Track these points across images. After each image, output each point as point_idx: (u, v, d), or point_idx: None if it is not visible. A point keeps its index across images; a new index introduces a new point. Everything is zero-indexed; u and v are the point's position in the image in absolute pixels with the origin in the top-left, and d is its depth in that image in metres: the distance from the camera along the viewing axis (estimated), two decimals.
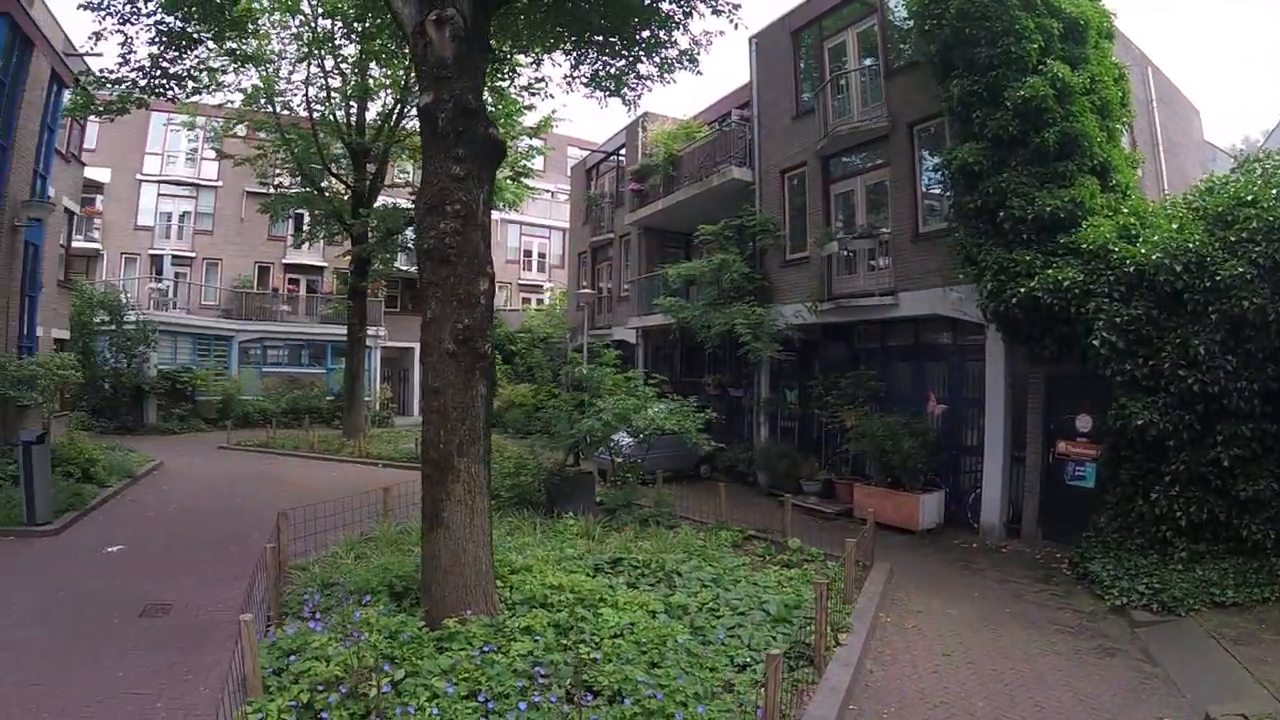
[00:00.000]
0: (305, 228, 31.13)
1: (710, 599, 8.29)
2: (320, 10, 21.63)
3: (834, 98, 16.64)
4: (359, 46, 22.18)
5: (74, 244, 24.25)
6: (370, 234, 25.78)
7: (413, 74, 22.71)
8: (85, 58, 18.15)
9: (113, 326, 27.99)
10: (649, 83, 13.97)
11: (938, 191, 14.87)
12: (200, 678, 6.95)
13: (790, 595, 8.62)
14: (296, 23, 22.44)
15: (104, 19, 13.13)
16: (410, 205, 26.73)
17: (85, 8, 12.93)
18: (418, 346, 27.31)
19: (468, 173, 7.09)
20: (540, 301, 42.61)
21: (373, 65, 23.32)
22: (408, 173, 29.66)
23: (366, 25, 18.55)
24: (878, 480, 14.64)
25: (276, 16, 21.84)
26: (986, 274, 12.08)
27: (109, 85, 15.75)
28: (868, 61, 16.37)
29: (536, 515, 12.32)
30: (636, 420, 13.77)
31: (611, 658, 6.23)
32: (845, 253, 15.96)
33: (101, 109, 17.17)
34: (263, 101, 24.18)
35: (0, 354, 14.64)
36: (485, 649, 6.17)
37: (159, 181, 36.56)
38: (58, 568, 10.44)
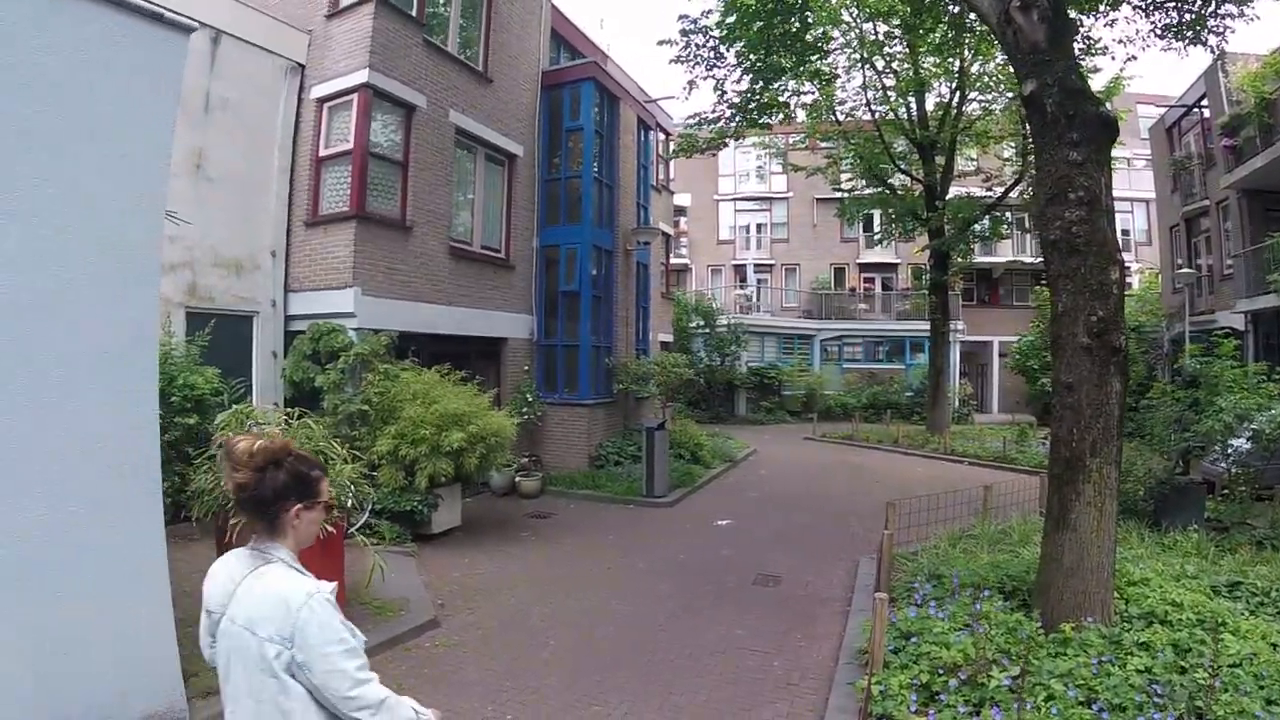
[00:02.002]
0: (878, 227, 31.55)
1: None
2: (861, 16, 21.74)
3: None
4: (905, 42, 21.86)
5: (670, 261, 27.52)
6: (945, 227, 25.05)
7: (966, 59, 22.05)
8: (660, 103, 20.70)
9: (706, 330, 31.46)
10: (1228, 20, 11.64)
11: None
12: (812, 645, 7.15)
13: None
14: (839, 33, 22.84)
15: (693, 68, 14.72)
16: (985, 194, 25.69)
17: (675, 61, 14.64)
18: (996, 341, 25.94)
19: (1085, 156, 6.49)
20: (1128, 285, 37.74)
21: (923, 58, 22.80)
22: (975, 160, 28.41)
23: (913, 21, 18.24)
24: None
25: (820, 31, 22.52)
26: None
27: (706, 124, 17.71)
28: None
29: (1140, 525, 10.80)
30: (1260, 423, 11.31)
31: (1229, 687, 5.27)
32: None
33: (704, 147, 19.24)
34: (823, 113, 25.03)
35: (623, 355, 17.14)
36: (1102, 659, 5.64)
37: (734, 199, 40.56)
38: (675, 535, 11.67)
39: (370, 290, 11.57)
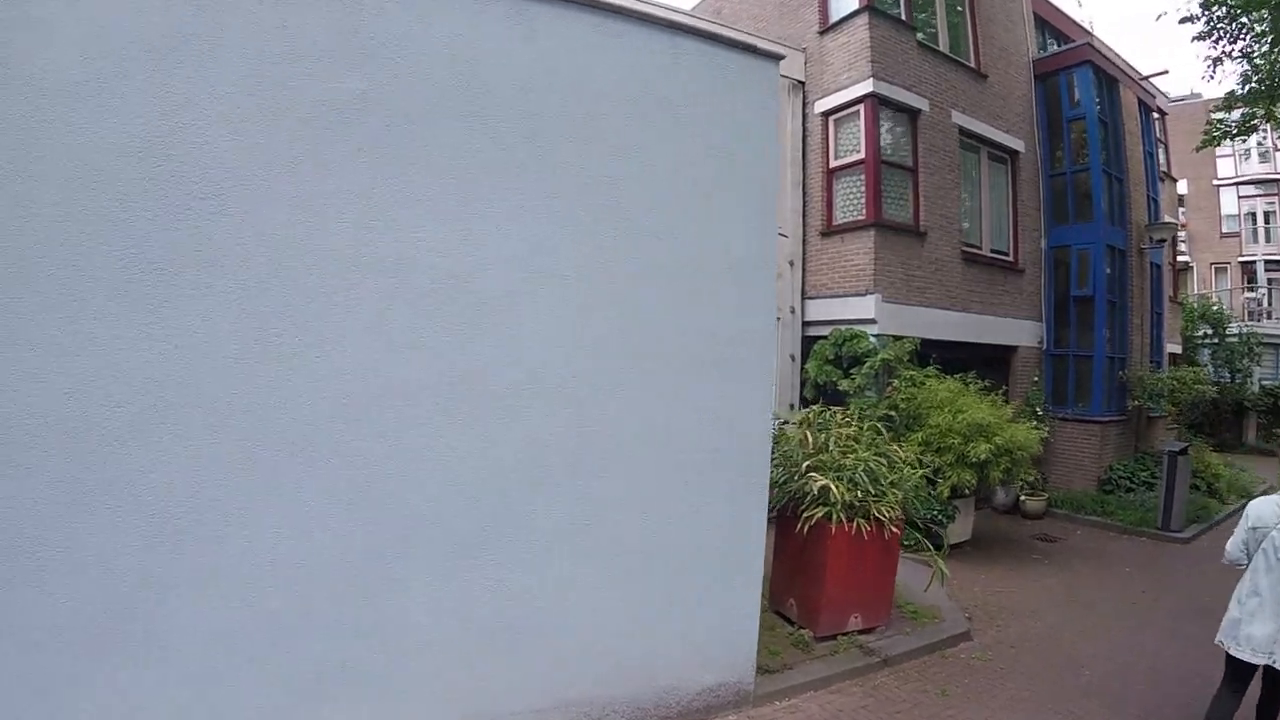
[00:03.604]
0: None
1: None
2: None
3: None
4: None
5: (1175, 259, 24.26)
6: None
7: None
8: (1152, 80, 18.47)
9: (1215, 340, 27.20)
10: None
11: None
12: None
13: None
14: None
15: (1216, 43, 13.27)
16: None
17: (1198, 39, 13.33)
18: None
19: None
20: None
21: None
22: None
23: None
24: None
25: None
26: None
27: (1238, 105, 15.63)
28: None
29: None
30: None
31: None
32: None
33: (1234, 132, 16.92)
34: None
35: (1137, 367, 15.56)
36: None
37: (1236, 184, 34.77)
38: (1194, 575, 10.43)
39: (889, 297, 11.79)
